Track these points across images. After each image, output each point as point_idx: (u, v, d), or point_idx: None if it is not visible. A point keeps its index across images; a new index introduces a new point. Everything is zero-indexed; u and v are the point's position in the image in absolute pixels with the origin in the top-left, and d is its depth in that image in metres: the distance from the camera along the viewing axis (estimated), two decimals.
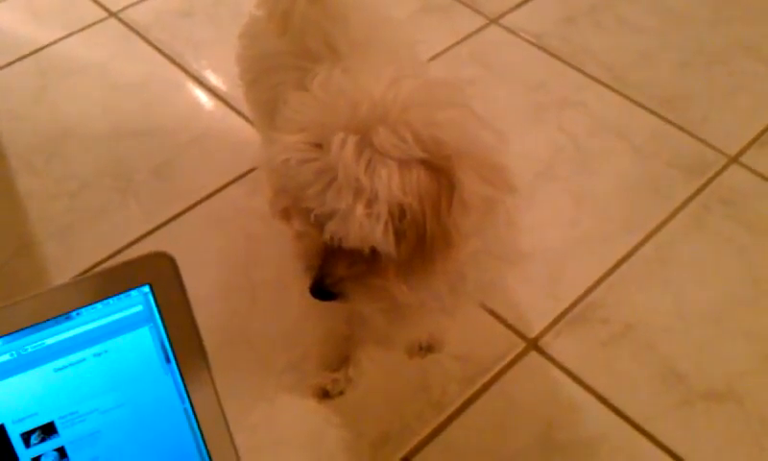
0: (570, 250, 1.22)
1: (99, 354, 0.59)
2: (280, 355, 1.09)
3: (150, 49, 1.61)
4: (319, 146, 0.68)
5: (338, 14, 0.91)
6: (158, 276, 0.58)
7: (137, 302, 0.59)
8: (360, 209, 0.65)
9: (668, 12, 1.66)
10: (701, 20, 1.64)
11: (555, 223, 1.26)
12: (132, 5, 1.71)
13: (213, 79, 1.53)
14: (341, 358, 1.03)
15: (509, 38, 1.61)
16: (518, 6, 1.68)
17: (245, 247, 1.23)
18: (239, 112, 1.44)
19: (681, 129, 1.41)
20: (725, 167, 1.34)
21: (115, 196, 1.31)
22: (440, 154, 0.67)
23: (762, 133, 1.40)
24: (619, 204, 1.29)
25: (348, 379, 1.03)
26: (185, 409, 0.63)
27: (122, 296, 0.58)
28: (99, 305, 0.57)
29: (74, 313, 0.56)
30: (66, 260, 1.22)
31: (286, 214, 0.76)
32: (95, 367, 0.59)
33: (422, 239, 0.67)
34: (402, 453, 0.99)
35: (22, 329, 0.55)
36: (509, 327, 1.11)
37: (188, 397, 0.62)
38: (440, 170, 0.67)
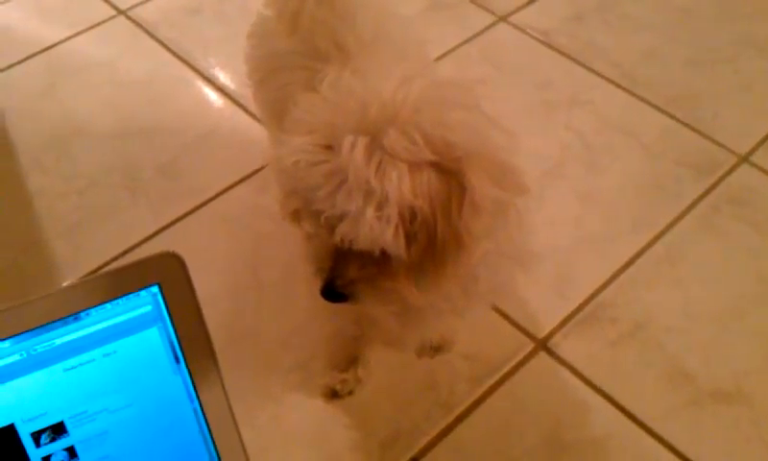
0: (579, 249, 1.21)
1: (108, 354, 0.59)
2: (288, 355, 1.09)
3: (158, 47, 1.61)
4: (329, 148, 0.68)
5: (346, 14, 0.90)
6: (167, 276, 0.58)
7: (146, 302, 0.59)
8: (370, 212, 0.65)
9: (675, 9, 1.65)
10: (708, 17, 1.63)
11: (563, 222, 1.25)
12: (141, 3, 1.71)
13: (222, 77, 1.53)
14: (349, 358, 1.03)
15: (517, 36, 1.61)
16: (527, 4, 1.68)
17: (253, 246, 1.23)
18: (247, 110, 1.44)
19: (690, 127, 1.40)
20: (735, 166, 1.33)
21: (123, 194, 1.32)
22: (450, 156, 0.66)
23: None
24: (628, 203, 1.28)
25: (357, 379, 1.03)
26: (194, 409, 0.63)
27: (131, 296, 0.58)
28: (108, 306, 0.57)
29: (83, 313, 0.57)
30: (75, 258, 1.22)
31: (296, 216, 0.76)
32: (104, 367, 0.59)
33: (433, 242, 0.67)
34: (411, 453, 0.99)
35: (32, 330, 0.56)
36: (518, 327, 1.11)
37: (197, 396, 0.62)
38: (450, 172, 0.66)
